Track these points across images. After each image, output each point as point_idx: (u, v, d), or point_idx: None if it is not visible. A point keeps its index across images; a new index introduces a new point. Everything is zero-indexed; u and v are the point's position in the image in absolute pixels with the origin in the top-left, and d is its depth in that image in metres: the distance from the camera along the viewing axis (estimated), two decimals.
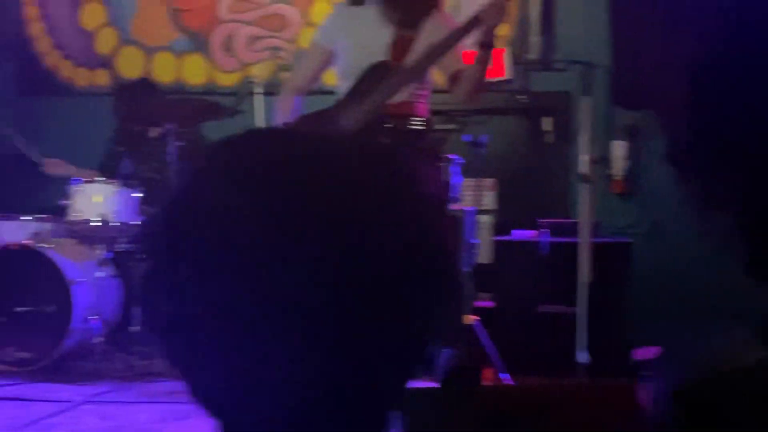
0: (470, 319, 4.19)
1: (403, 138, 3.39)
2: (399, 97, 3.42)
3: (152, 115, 5.42)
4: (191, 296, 0.74)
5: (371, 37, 3.53)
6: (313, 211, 0.73)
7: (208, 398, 0.77)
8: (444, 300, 0.78)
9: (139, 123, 5.63)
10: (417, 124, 3.47)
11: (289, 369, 0.73)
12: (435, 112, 3.76)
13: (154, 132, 5.67)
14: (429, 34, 3.52)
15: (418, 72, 3.41)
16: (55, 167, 5.52)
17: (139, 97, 5.58)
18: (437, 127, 4.16)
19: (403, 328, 0.76)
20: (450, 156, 4.01)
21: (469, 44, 3.55)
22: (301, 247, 0.72)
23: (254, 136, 0.81)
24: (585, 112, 3.93)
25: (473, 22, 3.32)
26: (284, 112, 3.70)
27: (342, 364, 0.73)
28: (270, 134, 0.83)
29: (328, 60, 3.70)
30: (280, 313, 0.72)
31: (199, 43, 6.16)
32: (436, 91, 3.83)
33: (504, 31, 5.22)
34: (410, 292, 0.75)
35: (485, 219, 5.03)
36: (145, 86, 5.73)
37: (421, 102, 3.55)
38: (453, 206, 4.05)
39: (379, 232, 0.74)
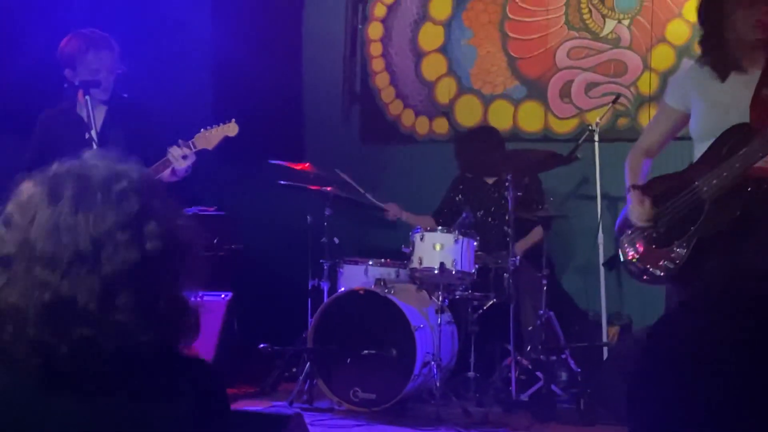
0: None
1: None
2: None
3: (490, 164, 5.52)
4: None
5: (728, 97, 3.34)
6: None
7: None
8: None
9: (477, 171, 5.76)
10: None
11: None
12: None
13: (491, 180, 5.78)
14: None
15: None
16: (393, 212, 5.79)
17: (480, 144, 5.70)
18: None
19: None
20: None
21: None
22: None
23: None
24: None
25: None
26: (634, 174, 3.60)
27: None
28: None
29: (680, 122, 3.55)
30: None
31: (535, 90, 6.20)
32: None
33: None
34: None
35: None
36: (487, 133, 5.85)
37: None
38: None
39: None
